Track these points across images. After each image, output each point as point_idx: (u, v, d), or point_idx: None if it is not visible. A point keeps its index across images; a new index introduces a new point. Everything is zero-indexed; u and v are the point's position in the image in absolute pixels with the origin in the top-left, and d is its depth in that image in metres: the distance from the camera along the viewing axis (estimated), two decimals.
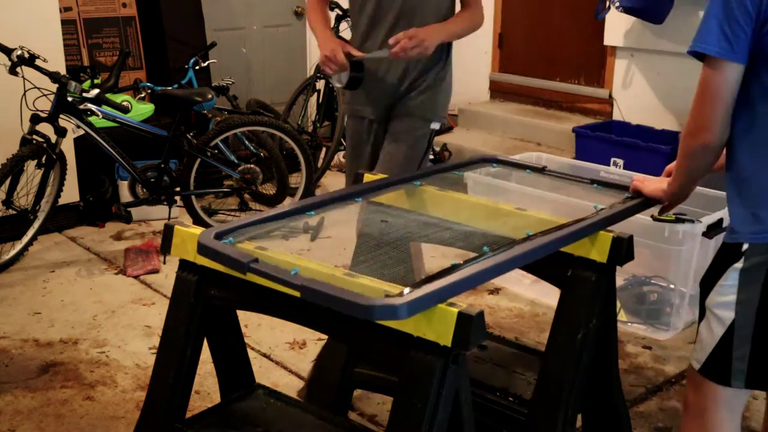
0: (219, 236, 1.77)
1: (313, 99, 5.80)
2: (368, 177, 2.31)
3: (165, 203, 4.36)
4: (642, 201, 2.12)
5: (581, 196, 2.69)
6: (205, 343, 1.97)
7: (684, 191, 2.03)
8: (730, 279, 1.87)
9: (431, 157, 5.68)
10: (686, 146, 1.87)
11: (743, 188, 1.84)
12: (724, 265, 1.89)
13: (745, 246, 1.84)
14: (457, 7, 2.80)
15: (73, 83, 3.88)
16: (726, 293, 1.88)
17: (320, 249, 4.16)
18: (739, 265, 1.86)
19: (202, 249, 1.73)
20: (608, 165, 4.76)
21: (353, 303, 1.48)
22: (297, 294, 1.55)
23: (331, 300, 1.51)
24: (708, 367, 1.93)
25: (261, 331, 3.36)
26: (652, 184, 2.12)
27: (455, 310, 1.50)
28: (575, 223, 1.94)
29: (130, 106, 4.33)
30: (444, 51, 2.80)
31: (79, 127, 4.08)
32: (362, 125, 2.86)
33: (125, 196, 4.55)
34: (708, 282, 1.94)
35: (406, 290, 1.51)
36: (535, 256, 1.79)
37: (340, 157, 5.76)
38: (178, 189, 4.35)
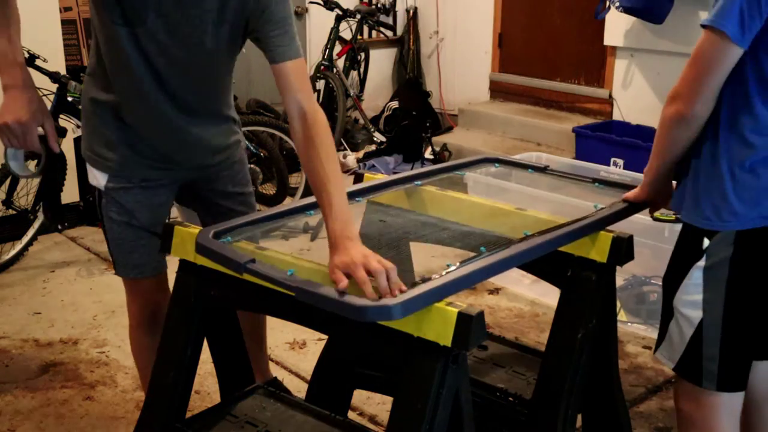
0: (217, 235, 1.77)
1: None
2: (368, 177, 2.31)
3: None
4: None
5: (582, 195, 2.69)
6: (205, 343, 1.97)
7: (660, 175, 1.98)
8: (694, 278, 1.86)
9: (431, 157, 5.72)
10: (662, 114, 1.86)
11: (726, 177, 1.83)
12: (686, 263, 1.88)
13: (706, 243, 1.83)
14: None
15: (73, 83, 3.88)
16: (691, 292, 1.86)
17: (320, 249, 4.15)
18: (701, 263, 1.84)
19: (200, 248, 1.73)
20: (608, 165, 4.76)
21: (346, 304, 1.48)
22: (292, 294, 1.55)
23: (324, 301, 1.51)
24: (682, 367, 1.93)
25: None
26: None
27: (455, 310, 1.49)
28: (573, 222, 1.94)
29: None
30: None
31: (79, 127, 4.08)
32: None
33: None
34: (672, 280, 1.93)
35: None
36: (530, 257, 1.79)
37: (339, 157, 5.76)
38: None
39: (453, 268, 1.62)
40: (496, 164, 2.55)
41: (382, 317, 1.47)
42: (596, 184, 2.35)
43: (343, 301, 1.49)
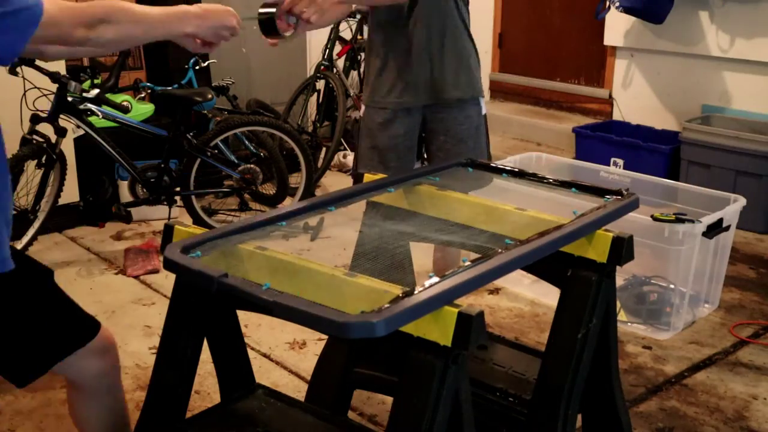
0: (185, 250, 1.71)
1: (313, 99, 5.80)
2: (368, 177, 2.31)
3: (165, 203, 4.36)
4: (626, 204, 2.12)
5: (565, 199, 2.64)
6: (205, 343, 1.97)
7: None
8: None
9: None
10: None
11: None
12: None
13: None
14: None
15: (73, 83, 3.87)
16: None
17: (320, 249, 4.16)
18: None
19: (168, 264, 1.67)
20: (608, 165, 4.77)
21: (327, 319, 1.41)
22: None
23: (304, 317, 1.44)
24: None
25: (261, 331, 3.36)
26: None
27: (455, 310, 1.49)
28: (569, 224, 1.93)
29: (130, 106, 4.33)
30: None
31: (79, 127, 4.08)
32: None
33: (125, 196, 4.55)
34: None
35: (384, 305, 1.46)
36: (514, 267, 1.77)
37: (340, 157, 5.75)
38: (178, 189, 4.34)
39: (435, 280, 1.57)
40: (470, 168, 2.51)
41: (364, 333, 1.41)
42: (572, 189, 2.32)
43: (323, 317, 1.42)
